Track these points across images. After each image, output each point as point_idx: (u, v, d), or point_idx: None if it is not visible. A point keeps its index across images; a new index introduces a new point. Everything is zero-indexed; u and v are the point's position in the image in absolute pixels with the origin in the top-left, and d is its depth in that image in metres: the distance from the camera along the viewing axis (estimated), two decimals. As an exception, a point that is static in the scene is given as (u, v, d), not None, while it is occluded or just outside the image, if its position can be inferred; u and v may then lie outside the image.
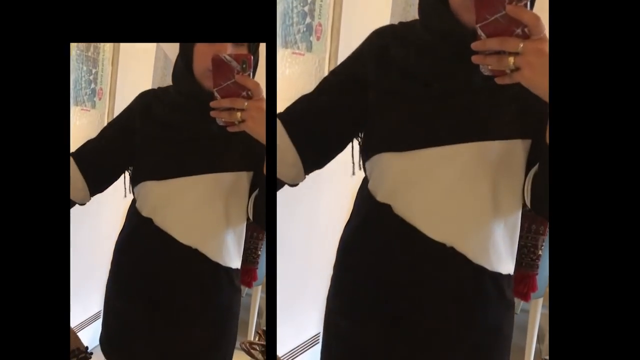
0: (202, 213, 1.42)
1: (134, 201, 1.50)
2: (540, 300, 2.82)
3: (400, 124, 1.16)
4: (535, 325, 2.82)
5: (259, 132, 1.25)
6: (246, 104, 1.24)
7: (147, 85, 3.02)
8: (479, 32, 1.00)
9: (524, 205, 1.24)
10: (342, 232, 1.29)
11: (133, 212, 1.49)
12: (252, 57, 1.25)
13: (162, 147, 1.42)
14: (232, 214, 1.44)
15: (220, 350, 1.51)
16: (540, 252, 2.24)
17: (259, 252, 1.78)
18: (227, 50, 1.34)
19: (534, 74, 0.98)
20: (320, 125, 1.26)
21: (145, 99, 1.50)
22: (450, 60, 1.12)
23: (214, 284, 1.46)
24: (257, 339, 2.20)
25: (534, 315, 2.80)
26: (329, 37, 2.47)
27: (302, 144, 1.25)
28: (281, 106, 1.30)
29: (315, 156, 1.29)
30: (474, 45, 1.00)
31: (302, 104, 1.28)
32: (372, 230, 1.21)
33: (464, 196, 1.14)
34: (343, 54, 2.48)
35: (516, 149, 1.13)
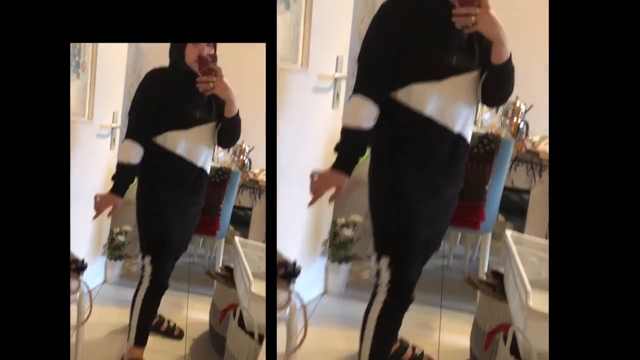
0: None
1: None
2: (490, 235, 2.98)
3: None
4: (485, 260, 2.99)
5: (222, 94, 2.22)
6: (214, 79, 2.21)
7: (123, 61, 3.37)
8: (456, 3, 1.78)
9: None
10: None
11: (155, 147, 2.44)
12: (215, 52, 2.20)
13: (174, 108, 2.38)
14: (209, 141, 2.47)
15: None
16: (486, 188, 2.67)
17: (221, 206, 2.74)
18: (204, 49, 2.22)
19: (485, 24, 1.77)
20: None
21: (155, 78, 2.44)
22: (435, 23, 1.88)
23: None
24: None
25: (485, 250, 2.99)
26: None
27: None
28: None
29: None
30: (454, 11, 1.76)
31: None
32: None
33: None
34: (317, 13, 2.49)
35: (477, 74, 1.96)
